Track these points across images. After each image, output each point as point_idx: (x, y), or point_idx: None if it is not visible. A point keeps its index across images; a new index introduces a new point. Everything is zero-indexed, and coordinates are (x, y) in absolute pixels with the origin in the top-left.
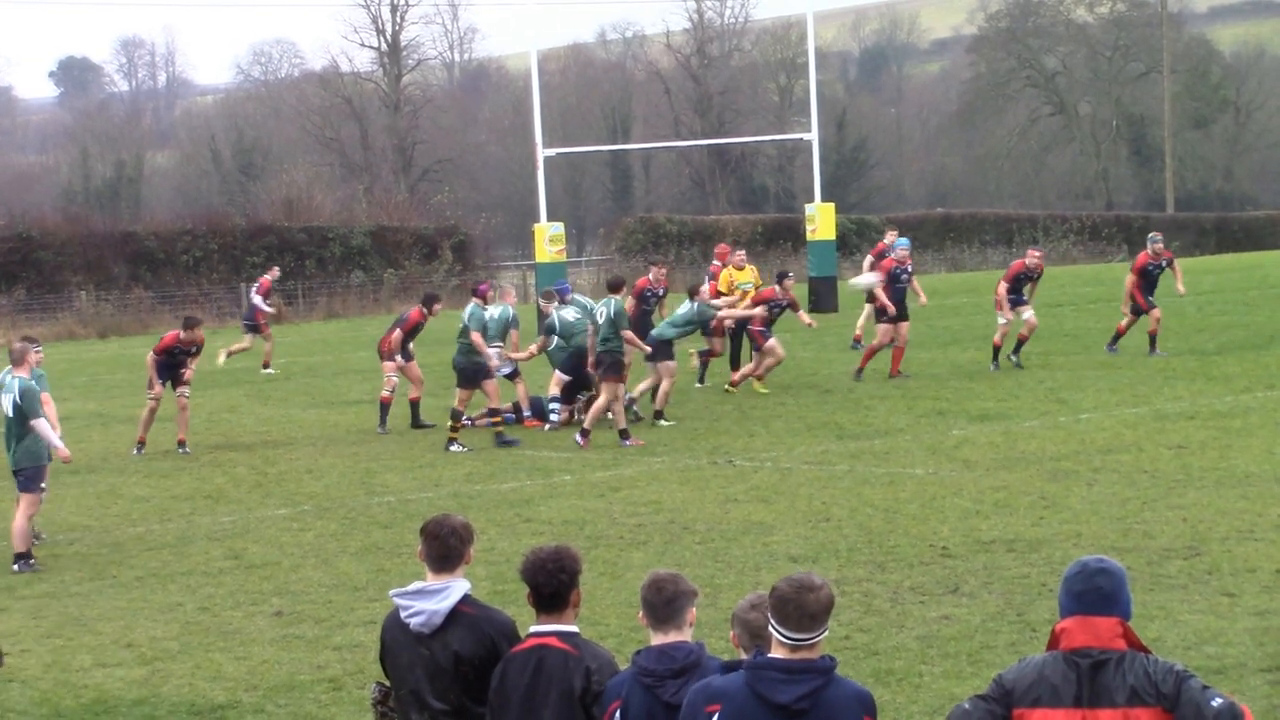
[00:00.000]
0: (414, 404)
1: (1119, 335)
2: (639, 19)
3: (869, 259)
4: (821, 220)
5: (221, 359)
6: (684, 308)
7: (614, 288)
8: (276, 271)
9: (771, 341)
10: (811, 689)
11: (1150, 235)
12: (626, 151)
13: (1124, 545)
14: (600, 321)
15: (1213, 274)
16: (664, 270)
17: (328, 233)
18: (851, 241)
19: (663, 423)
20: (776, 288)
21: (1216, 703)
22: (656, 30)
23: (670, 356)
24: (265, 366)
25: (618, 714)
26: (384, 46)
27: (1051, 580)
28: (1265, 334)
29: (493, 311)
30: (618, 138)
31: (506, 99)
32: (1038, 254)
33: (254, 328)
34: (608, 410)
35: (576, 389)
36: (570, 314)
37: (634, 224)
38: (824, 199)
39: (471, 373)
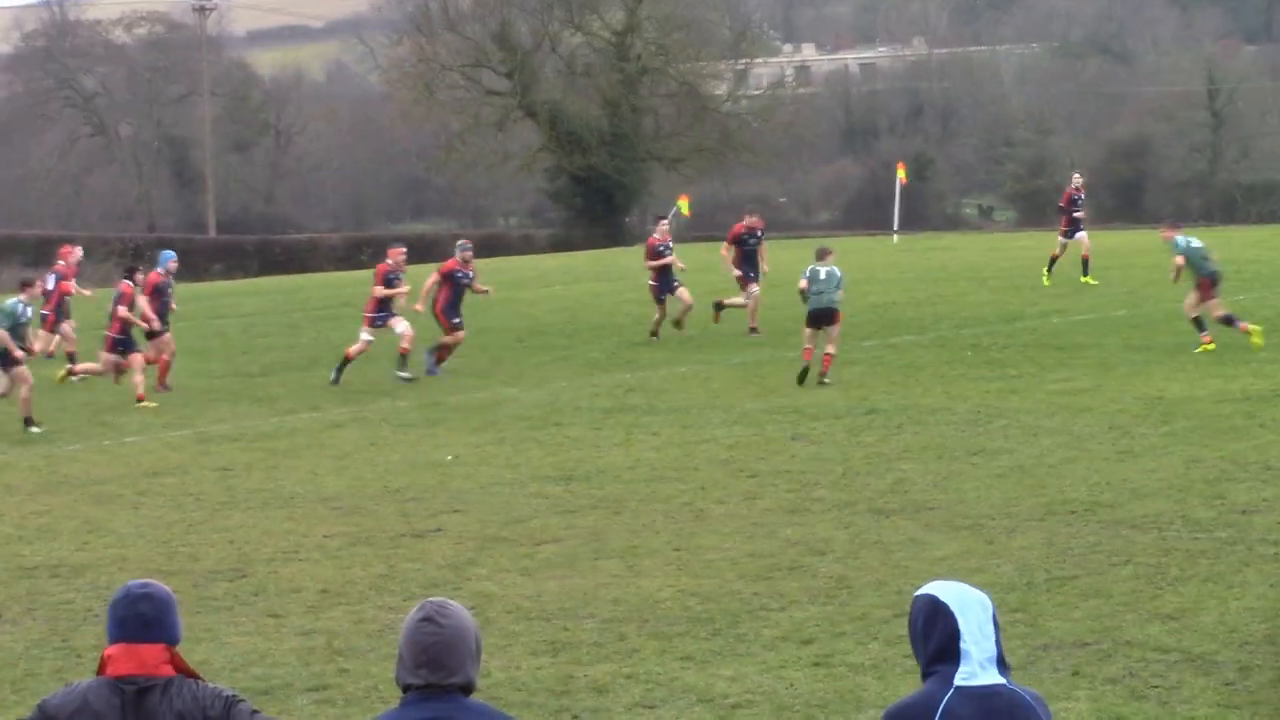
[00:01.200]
0: None
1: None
2: None
3: None
4: None
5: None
6: None
7: None
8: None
9: None
10: None
11: (460, 243)
12: None
13: (170, 568)
14: None
15: (257, 295)
16: None
17: None
18: None
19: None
20: None
21: None
22: None
23: None
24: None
25: None
26: None
27: (98, 605)
28: (309, 355)
29: None
30: None
31: None
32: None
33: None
34: None
35: None
36: None
37: None
38: None
39: None
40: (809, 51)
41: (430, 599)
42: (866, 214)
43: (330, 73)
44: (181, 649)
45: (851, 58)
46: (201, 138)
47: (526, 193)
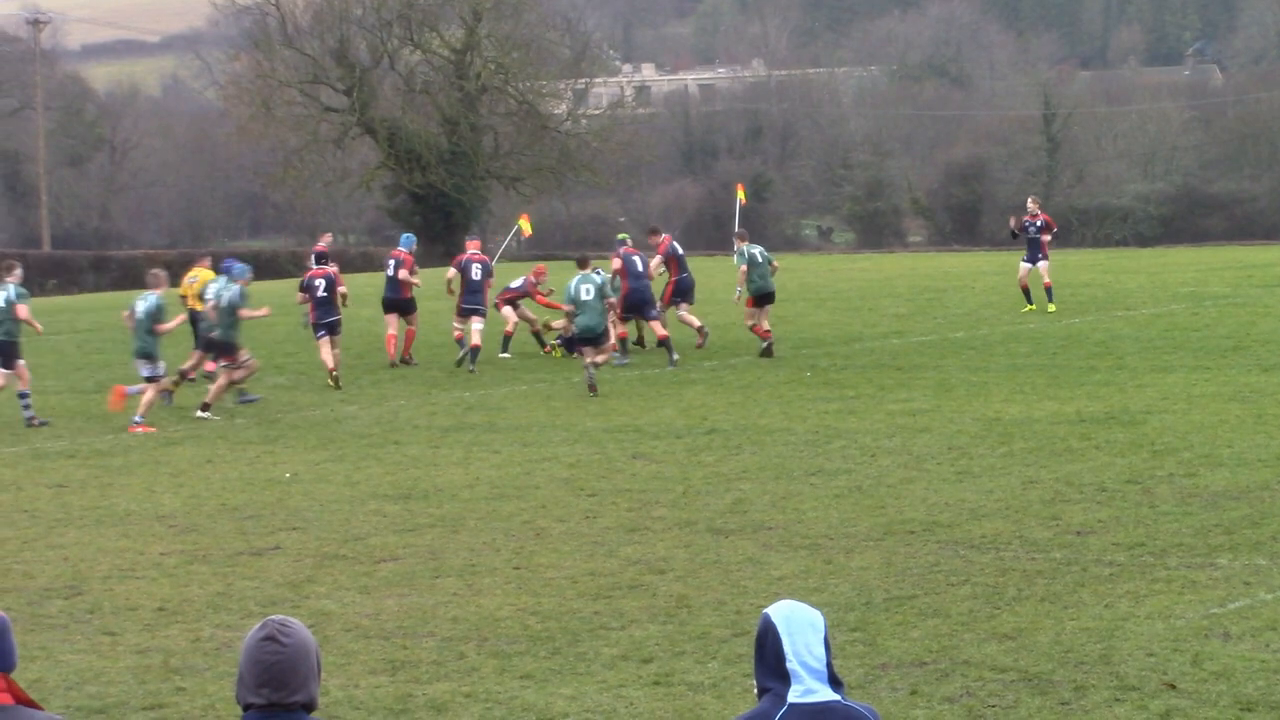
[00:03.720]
0: None
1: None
2: None
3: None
4: None
5: None
6: None
7: None
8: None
9: None
10: None
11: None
12: None
13: (3, 586)
14: None
15: (92, 311)
16: None
17: None
18: None
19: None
20: None
21: None
22: None
23: None
24: None
25: None
26: None
27: None
28: None
29: None
30: None
31: None
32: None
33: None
34: None
35: None
36: None
37: None
38: None
39: None
40: (648, 72)
41: (271, 617)
42: (706, 234)
43: (166, 88)
44: (15, 669)
45: (691, 78)
46: (35, 152)
47: (365, 210)
